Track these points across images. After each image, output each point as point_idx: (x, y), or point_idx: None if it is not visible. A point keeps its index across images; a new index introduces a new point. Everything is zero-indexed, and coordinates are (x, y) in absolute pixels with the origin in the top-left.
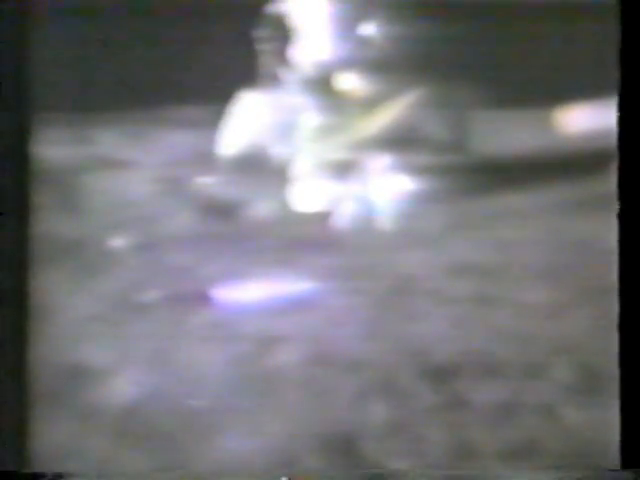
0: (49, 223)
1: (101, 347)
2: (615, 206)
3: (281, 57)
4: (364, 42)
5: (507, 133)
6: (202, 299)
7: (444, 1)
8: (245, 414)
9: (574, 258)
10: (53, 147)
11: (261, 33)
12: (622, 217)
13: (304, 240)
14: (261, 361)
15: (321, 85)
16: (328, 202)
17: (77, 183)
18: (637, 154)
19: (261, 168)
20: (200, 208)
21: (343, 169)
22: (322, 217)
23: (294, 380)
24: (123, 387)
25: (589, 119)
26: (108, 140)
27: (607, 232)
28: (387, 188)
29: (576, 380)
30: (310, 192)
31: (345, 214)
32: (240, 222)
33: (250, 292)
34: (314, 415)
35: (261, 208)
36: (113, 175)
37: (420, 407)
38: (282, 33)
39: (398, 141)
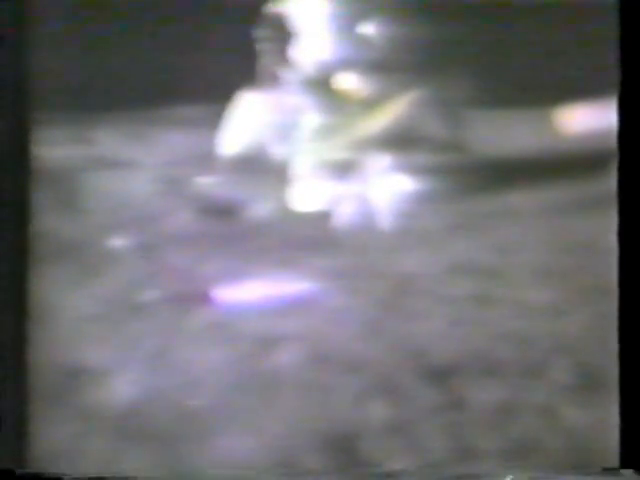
0: (49, 223)
1: (101, 347)
2: (615, 206)
3: (281, 57)
4: (364, 42)
5: (507, 133)
6: (202, 299)
7: (444, 1)
8: (245, 414)
9: (574, 258)
10: (53, 147)
11: (261, 33)
12: (622, 217)
13: (304, 240)
14: (261, 361)
15: (321, 85)
16: (328, 202)
17: (77, 183)
18: (637, 154)
19: (261, 168)
20: (200, 208)
21: (343, 169)
22: (322, 217)
23: (294, 380)
24: (123, 387)
25: (589, 119)
26: (108, 140)
27: (607, 232)
28: (387, 188)
29: (576, 380)
30: (310, 192)
31: (345, 214)
32: (240, 222)
33: (250, 292)
34: (314, 415)
35: (261, 208)
36: (113, 175)
37: (420, 407)
38: (282, 33)
39: (398, 141)
